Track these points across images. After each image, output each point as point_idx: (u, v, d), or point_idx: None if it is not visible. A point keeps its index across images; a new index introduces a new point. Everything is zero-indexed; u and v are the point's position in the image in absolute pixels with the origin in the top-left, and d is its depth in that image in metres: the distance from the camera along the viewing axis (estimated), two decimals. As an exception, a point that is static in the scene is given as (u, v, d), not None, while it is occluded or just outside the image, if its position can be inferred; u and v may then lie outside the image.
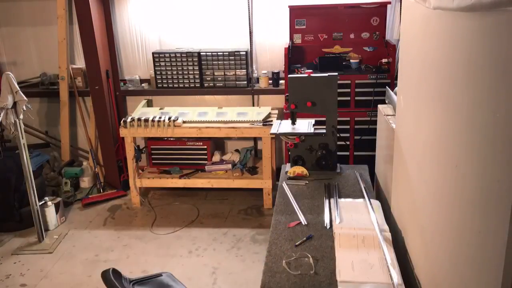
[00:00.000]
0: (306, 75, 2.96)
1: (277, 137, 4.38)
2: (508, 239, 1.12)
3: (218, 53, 4.52)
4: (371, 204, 2.55)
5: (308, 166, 3.02)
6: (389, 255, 2.10)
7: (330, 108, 2.95)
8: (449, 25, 1.52)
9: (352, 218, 2.41)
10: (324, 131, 3.00)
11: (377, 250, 2.14)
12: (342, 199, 2.64)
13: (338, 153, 3.14)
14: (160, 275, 2.53)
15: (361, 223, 2.35)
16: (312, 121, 3.18)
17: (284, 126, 3.14)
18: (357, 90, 4.12)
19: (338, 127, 4.18)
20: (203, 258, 3.62)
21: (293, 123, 3.10)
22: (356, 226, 2.31)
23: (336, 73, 2.99)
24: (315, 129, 3.07)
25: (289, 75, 2.99)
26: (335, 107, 2.95)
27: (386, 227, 2.30)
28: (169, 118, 4.25)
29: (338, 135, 3.02)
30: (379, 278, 1.95)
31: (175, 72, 4.63)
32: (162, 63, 4.61)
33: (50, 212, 4.09)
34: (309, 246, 2.24)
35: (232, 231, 3.98)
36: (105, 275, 2.11)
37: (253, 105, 4.71)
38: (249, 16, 4.50)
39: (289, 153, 3.23)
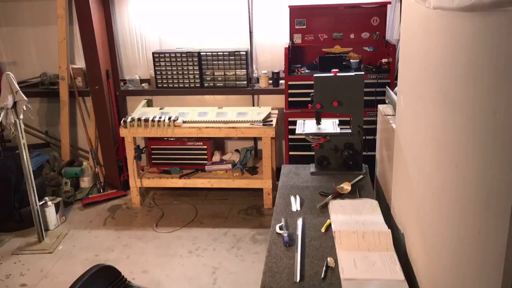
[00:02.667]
0: (332, 74, 2.90)
1: (277, 137, 4.39)
2: (508, 239, 1.12)
3: (218, 53, 4.52)
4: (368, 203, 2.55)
5: (334, 166, 2.99)
6: (390, 251, 2.11)
7: (357, 108, 2.91)
8: (449, 25, 1.52)
9: (351, 217, 2.42)
10: (349, 130, 2.98)
11: (378, 247, 2.15)
12: (339, 199, 2.65)
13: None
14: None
15: (359, 221, 2.36)
16: (336, 120, 3.16)
17: (309, 126, 3.12)
18: (357, 90, 4.11)
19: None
20: (203, 258, 3.62)
21: (318, 123, 3.07)
22: (355, 224, 2.32)
23: (363, 73, 2.96)
24: (340, 128, 3.06)
25: (315, 75, 2.93)
26: (361, 107, 2.91)
27: (384, 224, 2.31)
28: (169, 118, 4.25)
29: (364, 136, 2.99)
30: (383, 274, 1.96)
31: (175, 72, 4.63)
32: (162, 63, 4.61)
33: (50, 212, 4.09)
34: (309, 247, 2.24)
35: (232, 231, 3.98)
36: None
37: (253, 105, 4.71)
38: (249, 16, 4.50)
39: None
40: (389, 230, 2.25)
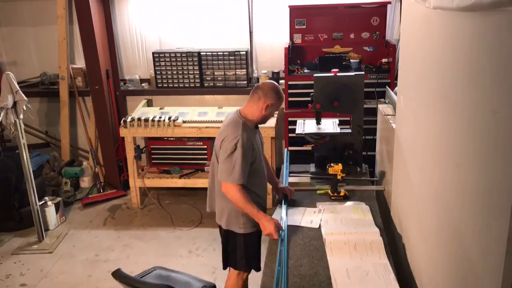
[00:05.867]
0: (332, 74, 2.91)
1: (277, 137, 4.39)
2: (508, 239, 1.12)
3: (218, 53, 4.52)
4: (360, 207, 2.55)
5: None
6: (383, 260, 2.07)
7: (356, 107, 2.91)
8: (449, 25, 1.52)
9: (342, 223, 2.39)
10: (349, 130, 2.98)
11: (370, 255, 2.11)
12: (327, 203, 2.64)
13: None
14: (153, 269, 2.59)
15: (351, 228, 2.33)
16: (336, 120, 3.15)
17: (309, 126, 3.11)
18: (357, 90, 4.12)
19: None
20: (203, 258, 3.62)
21: (318, 123, 3.07)
22: (346, 231, 2.29)
23: (363, 73, 2.95)
24: (340, 128, 3.05)
25: (315, 75, 2.94)
26: (361, 106, 2.91)
27: (376, 230, 2.29)
28: (169, 118, 4.25)
29: (363, 136, 2.99)
30: (377, 285, 1.93)
31: (175, 72, 4.63)
32: (162, 63, 4.61)
33: (50, 212, 4.09)
34: (309, 246, 2.24)
35: (232, 231, 3.98)
36: (117, 273, 2.18)
37: (253, 105, 4.71)
38: (249, 16, 4.50)
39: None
40: (381, 238, 2.20)
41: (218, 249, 3.73)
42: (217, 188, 2.47)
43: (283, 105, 4.35)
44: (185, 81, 4.65)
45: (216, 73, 4.59)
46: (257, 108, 2.41)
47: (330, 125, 3.09)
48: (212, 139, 4.52)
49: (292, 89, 4.22)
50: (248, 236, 2.47)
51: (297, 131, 3.09)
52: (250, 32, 4.55)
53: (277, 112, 4.43)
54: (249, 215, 2.35)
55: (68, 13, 4.69)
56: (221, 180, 2.34)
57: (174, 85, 4.69)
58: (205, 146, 4.49)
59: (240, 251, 2.51)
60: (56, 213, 4.16)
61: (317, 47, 4.37)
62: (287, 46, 4.22)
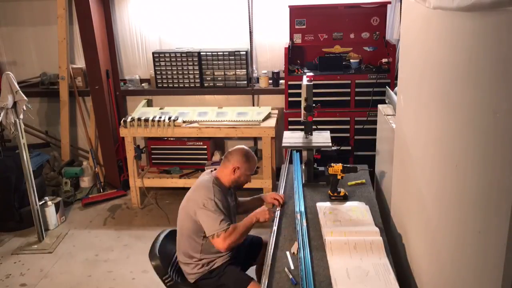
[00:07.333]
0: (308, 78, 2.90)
1: (277, 137, 4.38)
2: (508, 239, 1.12)
3: (218, 53, 4.52)
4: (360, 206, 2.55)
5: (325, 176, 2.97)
6: (383, 260, 2.08)
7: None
8: (450, 25, 1.52)
9: (341, 224, 2.38)
10: (335, 148, 2.96)
11: (370, 256, 2.11)
12: (328, 203, 2.63)
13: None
14: None
15: (351, 228, 2.32)
16: (328, 134, 3.08)
17: (295, 136, 3.07)
18: (357, 90, 4.12)
19: (338, 127, 4.19)
20: (203, 258, 3.61)
21: (307, 134, 3.00)
22: (346, 231, 2.28)
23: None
24: (334, 144, 3.00)
25: (307, 83, 2.91)
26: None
27: (376, 229, 2.29)
28: (169, 118, 4.25)
29: (339, 148, 2.97)
30: (376, 285, 1.93)
31: (175, 72, 4.63)
32: (162, 63, 4.61)
33: (50, 212, 4.09)
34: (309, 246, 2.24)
35: (232, 231, 3.98)
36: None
37: (253, 105, 4.71)
38: (249, 16, 4.50)
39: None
40: (381, 238, 2.21)
41: (218, 249, 3.73)
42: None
43: (283, 105, 4.36)
44: (185, 81, 4.65)
45: (216, 73, 4.59)
46: (227, 172, 2.58)
47: (320, 138, 3.01)
48: (212, 139, 4.52)
49: (292, 89, 4.22)
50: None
51: (283, 144, 3.04)
52: (250, 32, 4.55)
53: (276, 112, 4.44)
54: (251, 226, 2.50)
55: (68, 13, 4.69)
56: (212, 238, 2.39)
57: (174, 85, 4.68)
58: (205, 146, 4.49)
59: None
60: (56, 213, 4.16)
61: (317, 47, 4.37)
62: (287, 46, 4.22)
